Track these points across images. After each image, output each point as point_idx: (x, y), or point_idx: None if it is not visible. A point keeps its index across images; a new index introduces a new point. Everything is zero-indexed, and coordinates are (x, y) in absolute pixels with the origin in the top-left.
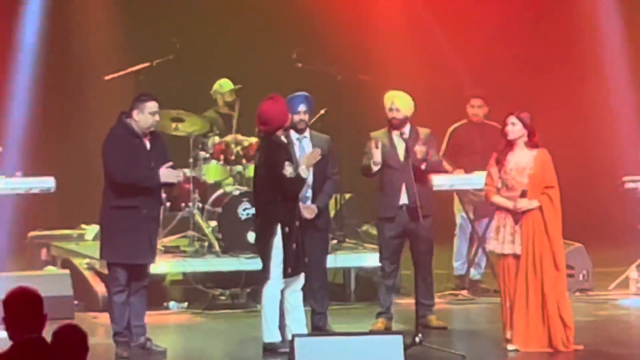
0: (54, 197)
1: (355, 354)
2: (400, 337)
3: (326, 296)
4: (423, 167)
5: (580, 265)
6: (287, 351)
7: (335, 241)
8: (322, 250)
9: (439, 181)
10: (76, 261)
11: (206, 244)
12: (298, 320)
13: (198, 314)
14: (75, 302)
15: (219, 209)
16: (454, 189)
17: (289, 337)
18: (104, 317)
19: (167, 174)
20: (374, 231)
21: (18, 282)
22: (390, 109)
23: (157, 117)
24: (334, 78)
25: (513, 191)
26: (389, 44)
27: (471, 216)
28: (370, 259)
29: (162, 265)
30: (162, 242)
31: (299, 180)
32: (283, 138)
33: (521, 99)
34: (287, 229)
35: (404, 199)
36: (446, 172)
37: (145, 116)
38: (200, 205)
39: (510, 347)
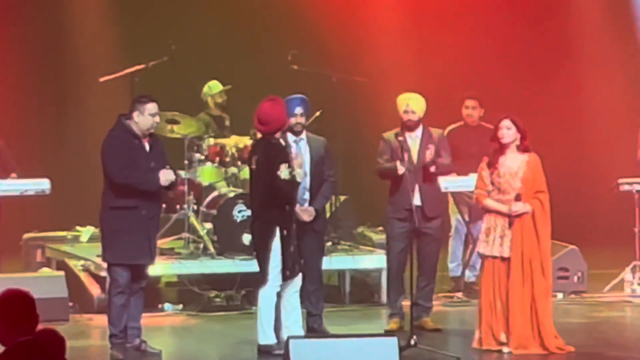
0: (48, 199)
1: (351, 356)
2: (395, 339)
3: (321, 298)
4: (432, 169)
5: (575, 267)
6: (282, 353)
7: (330, 243)
8: (319, 252)
9: None
10: (71, 263)
11: (201, 245)
12: (297, 321)
13: (193, 316)
14: (70, 303)
15: (214, 211)
16: (449, 191)
17: (285, 338)
18: (99, 319)
19: (167, 174)
20: (369, 233)
21: (13, 284)
22: (406, 111)
23: (157, 119)
24: (329, 80)
25: (505, 195)
26: (384, 46)
27: (466, 218)
28: (365, 261)
29: (157, 267)
30: (157, 244)
31: (294, 183)
32: (281, 140)
33: (515, 102)
34: (285, 232)
35: (416, 200)
36: (456, 173)
37: (145, 118)
38: (195, 207)
39: (505, 349)
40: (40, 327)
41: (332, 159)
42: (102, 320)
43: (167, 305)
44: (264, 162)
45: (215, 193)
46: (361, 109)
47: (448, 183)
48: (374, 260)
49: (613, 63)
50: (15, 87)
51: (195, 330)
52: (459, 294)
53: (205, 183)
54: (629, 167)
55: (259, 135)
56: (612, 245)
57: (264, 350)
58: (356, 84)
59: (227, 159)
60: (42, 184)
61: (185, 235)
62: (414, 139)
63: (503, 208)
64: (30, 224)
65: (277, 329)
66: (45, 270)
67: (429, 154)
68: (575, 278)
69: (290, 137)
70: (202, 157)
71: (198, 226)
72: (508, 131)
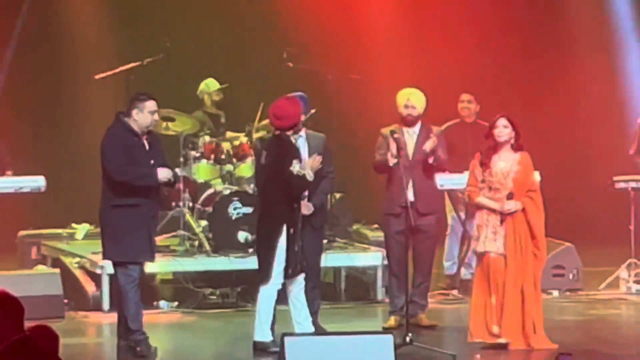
0: (44, 196)
1: (346, 354)
2: (390, 337)
3: (318, 296)
4: (431, 160)
5: (571, 264)
6: (277, 350)
7: (325, 241)
8: (317, 249)
9: None
10: (66, 260)
11: (196, 243)
12: (308, 317)
13: (188, 313)
14: (66, 301)
15: (210, 209)
16: (444, 189)
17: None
18: (94, 316)
19: (165, 172)
20: (364, 230)
21: (8, 281)
22: (406, 106)
23: (156, 117)
24: (324, 77)
25: (497, 193)
26: (380, 43)
27: (462, 216)
28: (360, 259)
29: (152, 265)
30: None
31: (305, 180)
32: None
33: (510, 99)
34: (292, 230)
35: (410, 196)
36: (449, 171)
37: (144, 115)
38: (191, 204)
39: (502, 340)
40: (33, 323)
41: (331, 156)
42: (97, 317)
43: (162, 303)
44: (275, 158)
45: (210, 190)
46: (356, 107)
47: (443, 180)
48: (370, 258)
49: (608, 61)
50: (11, 84)
51: (191, 328)
52: (455, 292)
53: (200, 180)
54: (624, 165)
55: (256, 134)
56: (608, 242)
57: (259, 348)
58: (351, 82)
59: (223, 157)
60: (38, 181)
61: (180, 232)
62: (411, 135)
63: (495, 206)
64: (25, 221)
65: (273, 326)
66: (41, 268)
67: (432, 142)
68: (571, 276)
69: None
70: (198, 155)
71: (193, 224)
72: (505, 130)
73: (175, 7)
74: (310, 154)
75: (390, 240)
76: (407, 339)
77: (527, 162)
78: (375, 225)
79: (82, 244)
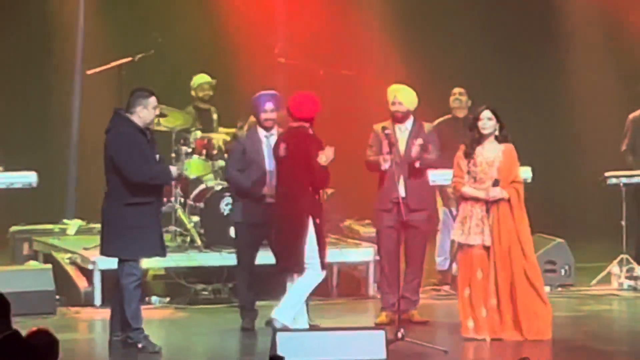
0: (36, 191)
1: (338, 349)
2: (382, 332)
3: None
4: (417, 164)
5: (562, 260)
6: None
7: None
8: None
9: None
10: (58, 256)
11: (188, 239)
12: (303, 313)
13: (180, 309)
14: (57, 296)
15: (201, 204)
16: (436, 185)
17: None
18: (86, 312)
19: (174, 169)
20: (356, 226)
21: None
22: (393, 103)
23: (157, 112)
24: (316, 73)
25: (481, 184)
26: (371, 39)
27: (454, 212)
28: (352, 254)
29: (144, 261)
30: None
31: (329, 173)
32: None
33: (502, 95)
34: (317, 220)
35: (401, 192)
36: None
37: (149, 111)
38: (182, 200)
39: (478, 336)
40: (34, 329)
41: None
42: (89, 313)
43: (154, 298)
44: (299, 150)
45: (202, 186)
46: (348, 102)
47: (435, 176)
48: (361, 254)
49: (601, 56)
50: (2, 79)
51: (182, 323)
52: (446, 287)
53: (192, 176)
54: (616, 160)
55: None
56: (600, 238)
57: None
58: (343, 78)
59: (215, 152)
60: (30, 177)
61: (172, 228)
62: (403, 131)
63: (481, 194)
64: (17, 216)
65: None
66: (32, 263)
67: (414, 150)
68: (563, 271)
69: (261, 132)
70: (189, 150)
71: (185, 219)
72: (489, 121)
73: (166, 3)
74: None
75: (382, 235)
76: (399, 334)
77: (511, 153)
78: (367, 221)
79: (74, 240)
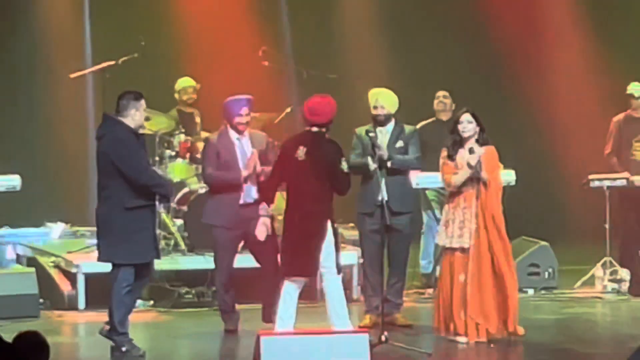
0: (19, 195)
1: (322, 353)
2: (366, 336)
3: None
4: (389, 164)
5: (546, 263)
6: None
7: None
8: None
9: None
10: (42, 259)
11: (172, 242)
12: (292, 316)
13: (164, 312)
14: (41, 300)
15: (185, 208)
16: (420, 188)
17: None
18: (70, 316)
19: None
20: (340, 230)
21: None
22: (375, 107)
23: (146, 114)
24: (299, 76)
25: (462, 186)
26: (355, 42)
27: (438, 215)
28: None
29: None
30: None
31: (350, 178)
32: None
33: (486, 98)
34: (335, 225)
35: (383, 195)
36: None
37: (141, 114)
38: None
39: (461, 339)
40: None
41: (274, 151)
42: (72, 316)
43: (138, 302)
44: (321, 155)
45: (186, 189)
46: None
47: (420, 179)
48: (345, 257)
49: (583, 58)
50: None
51: (166, 327)
52: (430, 290)
53: (176, 179)
54: (600, 163)
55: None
56: (583, 241)
57: None
58: (327, 81)
59: (198, 156)
60: (13, 181)
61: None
62: (384, 134)
63: (467, 173)
64: (0, 220)
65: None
66: (16, 267)
67: (384, 152)
68: (546, 274)
69: (232, 134)
70: (173, 154)
71: (169, 222)
72: (469, 124)
73: (149, 6)
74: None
75: (365, 239)
76: (383, 337)
77: (492, 155)
78: (351, 225)
79: (58, 243)
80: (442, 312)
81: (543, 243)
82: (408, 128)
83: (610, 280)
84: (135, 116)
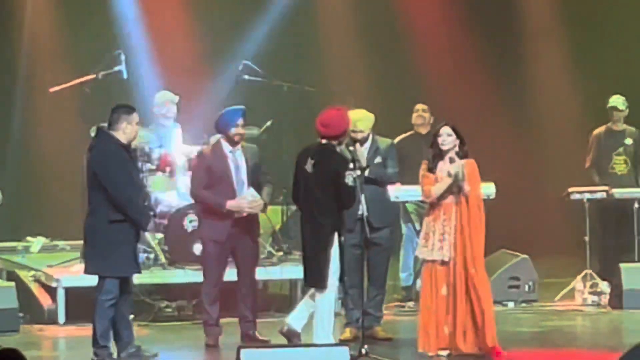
0: None
1: None
2: (346, 349)
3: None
4: (366, 172)
5: (526, 276)
6: None
7: (281, 253)
8: (254, 259)
9: None
10: (21, 273)
11: (152, 256)
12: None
13: (144, 326)
14: (21, 314)
15: (165, 221)
16: (399, 201)
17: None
18: (50, 330)
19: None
20: None
21: None
22: (354, 130)
23: (137, 128)
24: (279, 89)
25: (442, 199)
26: (335, 55)
27: (417, 227)
28: None
29: None
30: None
31: (354, 192)
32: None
33: (465, 111)
34: (342, 238)
35: (362, 210)
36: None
37: (133, 128)
38: None
39: (442, 352)
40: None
41: (264, 164)
42: (52, 330)
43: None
44: (328, 168)
45: (165, 203)
46: (312, 118)
47: (398, 193)
48: None
49: (563, 71)
50: None
51: (147, 340)
52: (410, 303)
53: (155, 193)
54: (580, 176)
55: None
56: (563, 254)
57: None
58: (307, 94)
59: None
60: None
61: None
62: (362, 150)
63: (447, 181)
64: None
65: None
66: None
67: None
68: (526, 287)
69: (226, 147)
70: (153, 167)
71: (149, 236)
72: (448, 137)
73: (130, 20)
74: (247, 166)
75: (346, 253)
76: (363, 350)
77: (472, 168)
78: None
79: (38, 257)
80: (426, 325)
81: (523, 256)
82: (384, 141)
83: (590, 293)
84: (126, 129)
